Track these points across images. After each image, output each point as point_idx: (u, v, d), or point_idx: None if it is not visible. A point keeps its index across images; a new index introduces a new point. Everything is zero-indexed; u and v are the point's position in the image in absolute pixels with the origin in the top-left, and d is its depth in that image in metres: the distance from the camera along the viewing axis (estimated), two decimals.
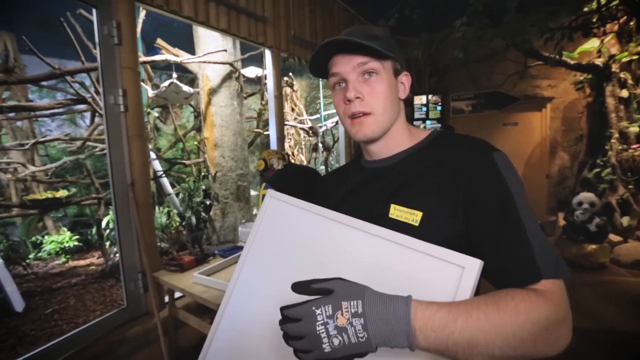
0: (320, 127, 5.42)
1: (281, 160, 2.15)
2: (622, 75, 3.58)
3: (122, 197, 1.81)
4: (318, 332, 0.39)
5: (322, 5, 3.42)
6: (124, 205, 1.82)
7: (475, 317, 0.40)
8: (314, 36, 3.29)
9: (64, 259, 3.52)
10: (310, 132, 5.09)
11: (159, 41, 3.43)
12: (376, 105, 0.61)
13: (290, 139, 5.19)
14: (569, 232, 3.43)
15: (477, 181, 0.53)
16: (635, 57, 3.47)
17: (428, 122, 5.12)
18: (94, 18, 1.70)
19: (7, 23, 3.54)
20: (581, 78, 4.04)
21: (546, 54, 3.49)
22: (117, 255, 1.99)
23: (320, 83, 6.01)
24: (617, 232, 3.47)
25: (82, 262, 3.53)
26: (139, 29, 3.00)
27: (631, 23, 3.47)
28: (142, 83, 3.74)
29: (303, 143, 5.41)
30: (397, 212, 0.58)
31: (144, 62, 3.39)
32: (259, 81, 4.38)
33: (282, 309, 0.44)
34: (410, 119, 5.24)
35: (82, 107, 3.54)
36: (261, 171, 2.14)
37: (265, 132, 4.68)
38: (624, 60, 3.53)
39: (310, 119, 5.35)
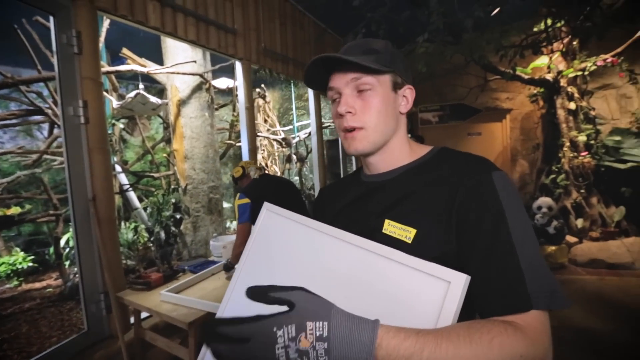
0: (294, 138, 5.44)
1: (258, 170, 2.15)
2: (569, 89, 3.91)
3: (82, 213, 1.71)
4: (277, 356, 0.35)
5: (292, 18, 3.48)
6: (85, 221, 1.72)
7: (444, 349, 0.38)
8: (285, 49, 3.33)
9: (16, 282, 3.24)
10: (284, 143, 5.09)
11: (125, 51, 3.33)
12: (368, 120, 0.60)
13: (264, 150, 5.16)
14: None
15: (472, 201, 0.52)
16: (579, 73, 3.82)
17: None
18: (52, 26, 1.63)
19: None
20: (535, 91, 4.38)
21: (502, 69, 3.76)
22: (77, 275, 1.86)
23: (293, 95, 6.06)
24: (573, 233, 3.73)
25: (37, 285, 3.26)
26: (102, 38, 2.90)
27: (574, 42, 3.83)
28: (106, 94, 3.61)
29: (276, 154, 5.39)
30: (391, 227, 0.57)
31: (108, 72, 3.27)
32: (230, 92, 4.34)
33: (218, 322, 0.38)
34: None
35: (38, 118, 3.34)
36: (236, 178, 2.12)
37: (238, 144, 4.62)
38: (570, 75, 3.86)
39: (283, 130, 5.36)
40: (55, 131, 3.50)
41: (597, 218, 3.73)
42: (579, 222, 3.75)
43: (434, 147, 0.66)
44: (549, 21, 3.14)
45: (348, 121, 0.60)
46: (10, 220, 2.73)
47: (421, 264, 0.45)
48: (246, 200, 1.95)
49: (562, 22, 3.28)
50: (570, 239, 3.65)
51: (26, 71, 3.14)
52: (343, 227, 0.56)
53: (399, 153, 0.64)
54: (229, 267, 1.89)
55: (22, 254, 3.39)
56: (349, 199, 0.69)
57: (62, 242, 2.86)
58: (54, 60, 1.64)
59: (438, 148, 0.65)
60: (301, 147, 5.79)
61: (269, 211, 0.70)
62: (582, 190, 3.80)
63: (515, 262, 0.47)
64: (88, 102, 1.70)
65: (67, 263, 2.92)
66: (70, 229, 2.55)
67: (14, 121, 3.44)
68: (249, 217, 1.92)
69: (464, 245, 0.51)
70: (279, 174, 5.32)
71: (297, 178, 5.58)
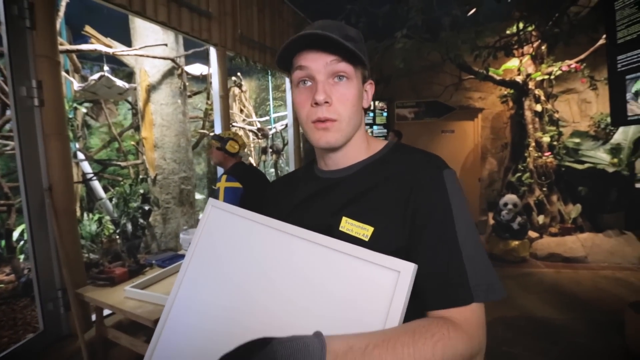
0: (270, 129, 5.34)
1: (243, 150, 1.98)
2: (536, 91, 4.11)
3: (37, 203, 1.58)
4: None
5: (271, 5, 3.38)
6: (40, 212, 1.59)
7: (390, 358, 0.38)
8: (262, 37, 3.23)
9: None
10: (260, 134, 4.99)
11: (88, 29, 3.09)
12: (343, 112, 0.57)
13: None
14: (496, 230, 3.82)
15: (423, 198, 0.53)
16: (546, 76, 4.01)
17: (375, 127, 5.35)
18: None
19: None
20: (505, 92, 4.56)
21: (476, 69, 3.87)
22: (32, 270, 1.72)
23: (270, 85, 5.93)
24: (535, 229, 3.96)
25: None
26: (61, 13, 2.67)
27: (543, 47, 4.01)
28: (66, 74, 3.34)
29: (252, 145, 5.28)
30: (348, 225, 0.56)
31: (68, 51, 3.03)
32: (204, 79, 4.17)
33: None
34: None
35: None
36: (232, 153, 1.94)
37: (212, 134, 4.47)
38: (538, 78, 4.05)
39: (259, 121, 5.24)
40: (8, 113, 3.20)
41: (556, 215, 3.98)
42: (540, 219, 3.98)
43: (389, 142, 0.66)
44: (521, 25, 3.26)
45: (324, 112, 0.56)
46: None
47: (371, 255, 0.46)
48: (237, 185, 1.78)
49: (533, 27, 3.42)
50: (532, 234, 3.88)
51: None
52: (298, 223, 0.54)
53: (358, 148, 0.63)
54: None
55: None
56: (304, 195, 0.66)
57: (15, 235, 2.64)
58: (2, 34, 1.48)
59: (393, 144, 0.65)
60: (277, 138, 5.71)
61: (214, 207, 0.67)
62: (544, 189, 4.03)
63: (458, 257, 0.50)
64: (43, 82, 1.55)
65: (21, 257, 2.71)
66: (24, 221, 2.36)
67: None
68: (238, 203, 1.74)
69: (413, 239, 0.53)
70: (254, 165, 5.22)
71: (272, 170, 5.50)
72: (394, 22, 2.80)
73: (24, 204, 1.57)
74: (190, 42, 2.97)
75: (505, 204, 3.73)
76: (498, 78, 4.17)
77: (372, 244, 0.53)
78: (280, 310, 0.50)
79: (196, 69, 3.88)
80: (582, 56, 3.80)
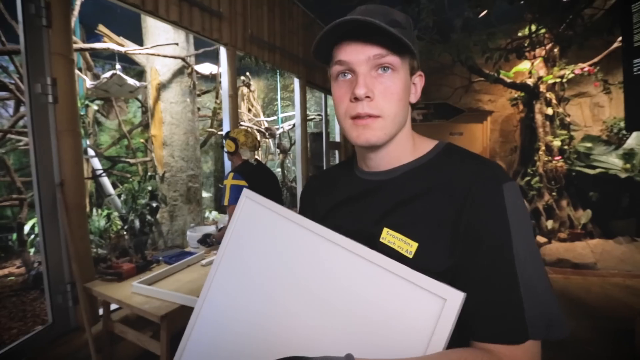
0: (277, 129, 5.36)
1: (251, 150, 2.04)
2: (548, 95, 4.05)
3: (48, 198, 1.61)
4: None
5: (281, 6, 3.39)
6: (51, 207, 1.62)
7: None
8: (272, 37, 3.24)
9: None
10: (267, 133, 5.01)
11: (101, 27, 3.14)
12: (387, 108, 0.51)
13: None
14: None
15: (478, 216, 0.47)
16: (558, 79, 3.95)
17: None
18: None
19: None
20: (515, 95, 4.50)
21: (487, 71, 3.83)
22: (42, 264, 1.76)
23: (279, 85, 5.95)
24: (543, 234, 3.90)
25: None
26: (75, 12, 2.72)
27: (555, 50, 3.95)
28: (79, 72, 3.40)
29: (259, 145, 5.31)
30: (389, 237, 0.51)
31: (82, 49, 3.08)
32: (213, 79, 4.21)
33: None
34: None
35: (2, 94, 3.11)
36: (229, 152, 2.00)
37: (220, 132, 4.50)
38: (550, 81, 4.00)
39: (267, 121, 5.26)
40: (22, 109, 3.27)
41: (565, 220, 3.92)
42: (549, 224, 3.92)
43: (439, 142, 0.58)
44: (533, 27, 3.22)
45: (365, 107, 0.50)
46: None
47: (416, 276, 0.42)
48: (243, 183, 1.83)
49: (546, 29, 3.37)
50: (541, 239, 3.82)
51: None
52: (335, 227, 0.51)
53: (403, 148, 0.56)
54: (205, 241, 1.79)
55: None
56: (342, 196, 0.61)
57: (27, 229, 2.69)
58: (20, 32, 1.51)
59: (444, 144, 0.58)
60: (285, 138, 5.72)
61: (249, 199, 0.64)
62: (553, 193, 3.97)
63: (514, 285, 0.44)
64: (57, 79, 1.58)
65: (31, 250, 2.76)
66: (36, 215, 2.41)
67: None
68: None
69: (463, 261, 0.47)
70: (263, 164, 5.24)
71: (279, 170, 5.52)
72: None
73: (36, 199, 1.60)
74: (200, 42, 3.00)
75: None
76: (509, 81, 4.13)
77: (415, 262, 0.48)
78: (312, 321, 0.47)
79: (206, 68, 3.91)
80: (595, 59, 3.73)
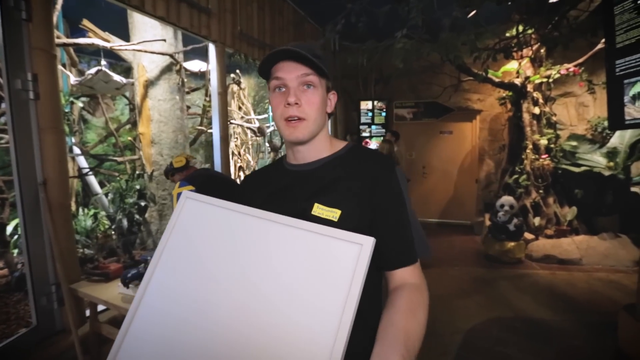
0: (268, 127, 5.33)
1: (181, 159, 2.01)
2: (535, 94, 4.12)
3: (31, 198, 1.57)
4: None
5: (270, 3, 3.36)
6: (34, 207, 1.58)
7: (412, 341, 0.56)
8: (262, 34, 3.22)
9: None
10: (258, 132, 4.97)
11: (86, 22, 3.07)
12: (310, 113, 0.70)
13: (237, 138, 5.01)
14: (493, 231, 3.84)
15: (384, 190, 0.70)
16: (544, 79, 4.03)
17: (373, 126, 5.35)
18: None
19: None
20: (504, 94, 4.57)
21: (475, 71, 3.88)
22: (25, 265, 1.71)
23: None
24: (530, 230, 3.98)
25: None
26: (58, 5, 2.65)
27: (542, 50, 4.02)
28: (63, 68, 3.31)
29: (250, 143, 5.26)
30: (319, 209, 0.68)
31: (65, 45, 3.00)
32: (203, 76, 4.15)
33: None
34: (357, 122, 5.42)
35: None
36: (176, 169, 1.96)
37: (210, 130, 4.45)
38: (537, 81, 4.07)
39: (257, 119, 5.23)
40: (2, 106, 3.17)
41: (552, 217, 4.00)
42: (536, 221, 4.00)
43: (348, 143, 0.80)
44: (520, 28, 3.27)
45: (294, 111, 0.69)
46: None
47: (338, 232, 0.54)
48: (190, 188, 1.78)
49: (533, 30, 3.43)
50: (528, 235, 3.90)
51: None
52: (274, 211, 0.61)
53: (323, 145, 0.76)
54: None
55: None
56: (277, 186, 0.77)
57: (9, 229, 2.62)
58: None
59: (351, 144, 0.80)
60: (275, 137, 5.70)
61: (189, 199, 0.69)
62: (540, 191, 4.05)
63: (409, 231, 0.70)
64: (39, 75, 1.54)
65: (14, 252, 2.69)
66: (18, 215, 2.34)
67: None
68: None
69: (378, 220, 0.68)
70: (252, 163, 5.20)
71: None
72: (394, 22, 2.80)
73: (18, 198, 1.55)
74: (189, 38, 2.95)
75: (502, 206, 3.74)
76: (497, 80, 4.18)
77: (340, 224, 0.65)
78: (249, 297, 0.55)
79: (195, 65, 3.86)
80: (580, 60, 3.81)
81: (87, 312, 1.70)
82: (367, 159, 0.73)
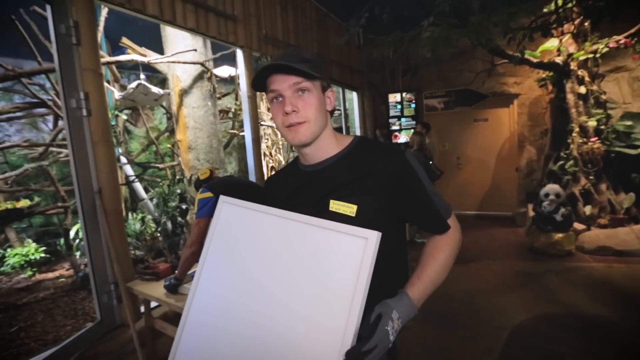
0: None
1: (206, 171, 2.02)
2: (579, 72, 3.80)
3: (89, 205, 1.73)
4: (390, 337, 0.58)
5: (293, 3, 3.40)
6: (92, 213, 1.74)
7: (432, 279, 0.70)
8: (286, 35, 3.27)
9: (29, 273, 3.32)
10: None
11: (124, 40, 3.29)
12: (310, 115, 0.72)
13: (268, 139, 5.13)
14: (537, 222, 3.61)
15: (401, 177, 0.73)
16: (590, 55, 3.70)
17: (403, 119, 5.23)
18: (49, 16, 1.60)
19: None
20: (543, 75, 4.25)
21: (510, 53, 3.65)
22: (88, 266, 1.91)
23: None
24: (581, 220, 3.69)
25: (50, 275, 3.34)
26: (101, 27, 2.87)
27: (586, 24, 3.69)
28: (107, 84, 3.59)
29: (280, 143, 5.37)
30: (336, 206, 0.72)
31: (109, 63, 3.25)
32: (232, 81, 4.30)
33: (354, 351, 0.54)
34: (385, 116, 5.32)
35: (42, 110, 3.34)
36: (201, 180, 1.98)
37: (242, 133, 4.60)
38: (581, 58, 3.75)
39: None
40: (60, 123, 3.51)
41: (606, 205, 3.68)
42: (587, 209, 3.70)
43: (355, 137, 0.81)
44: (560, 1, 3.02)
45: (293, 118, 0.71)
46: (20, 212, 2.78)
47: (345, 227, 0.59)
48: (208, 194, 1.76)
49: (574, 2, 3.16)
50: (578, 226, 3.62)
51: (27, 63, 3.12)
52: (294, 211, 0.67)
53: (328, 144, 0.78)
54: (174, 288, 1.59)
55: (34, 245, 3.46)
56: (294, 186, 0.81)
57: (72, 234, 2.90)
58: (53, 51, 1.63)
59: (358, 138, 0.81)
60: None
61: (226, 203, 0.75)
62: (591, 177, 3.74)
63: (433, 205, 0.75)
64: (89, 93, 1.69)
65: (77, 254, 2.98)
66: (79, 221, 2.59)
67: (18, 114, 3.45)
68: (208, 211, 1.69)
69: (405, 203, 0.74)
70: (283, 163, 5.31)
71: None
72: (420, 10, 2.71)
73: (79, 206, 1.72)
74: (217, 46, 3.07)
75: (547, 195, 3.50)
76: (535, 61, 3.91)
77: (357, 218, 0.69)
78: (269, 296, 0.61)
79: (224, 71, 4.00)
80: (632, 30, 3.45)
81: (142, 309, 1.85)
82: (374, 151, 0.76)
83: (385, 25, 3.08)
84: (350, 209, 0.70)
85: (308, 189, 0.78)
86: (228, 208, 0.74)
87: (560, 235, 3.43)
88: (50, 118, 4.01)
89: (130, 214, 3.43)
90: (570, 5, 3.16)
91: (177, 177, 3.55)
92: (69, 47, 1.65)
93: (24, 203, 2.98)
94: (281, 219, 0.66)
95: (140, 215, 3.38)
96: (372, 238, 0.55)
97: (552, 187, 3.54)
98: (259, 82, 0.76)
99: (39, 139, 4.52)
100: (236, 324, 0.63)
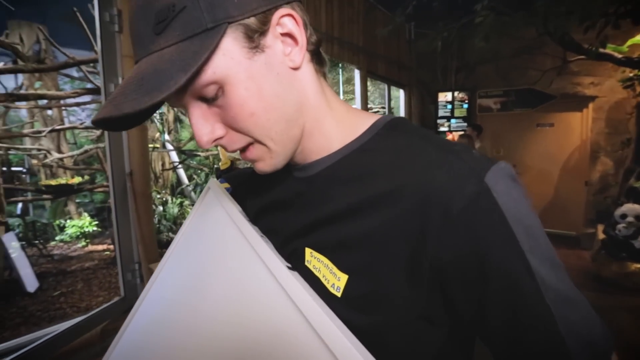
0: None
1: (226, 161, 1.99)
2: None
3: (120, 186, 1.81)
4: None
5: None
6: (122, 195, 1.82)
7: None
8: (330, 27, 3.16)
9: (83, 243, 3.68)
10: None
11: None
12: (250, 129, 0.35)
13: None
14: (609, 247, 3.10)
15: (461, 241, 0.30)
16: None
17: (453, 120, 4.84)
18: (95, 4, 1.69)
19: (40, 15, 3.75)
20: (631, 75, 3.61)
21: (587, 46, 3.12)
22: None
23: (341, 78, 5.86)
24: None
25: (99, 247, 3.68)
26: None
27: None
28: None
29: None
30: (315, 261, 0.37)
31: None
32: None
33: None
34: (433, 116, 4.96)
35: (86, 98, 3.66)
36: (221, 170, 1.96)
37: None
38: None
39: None
40: None
41: None
42: None
43: (379, 119, 0.41)
44: None
45: (228, 148, 0.37)
46: (70, 188, 3.07)
47: (339, 344, 0.28)
48: (226, 185, 1.80)
49: None
50: None
51: (92, 53, 3.44)
52: (264, 232, 0.44)
53: (325, 133, 0.40)
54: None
55: (88, 218, 3.83)
56: (274, 196, 0.48)
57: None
58: (97, 39, 1.71)
59: (384, 119, 0.40)
60: None
61: (213, 191, 0.60)
62: None
63: (551, 325, 0.29)
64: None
65: None
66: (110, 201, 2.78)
67: (86, 99, 3.82)
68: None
69: (469, 302, 0.32)
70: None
71: None
72: None
73: (110, 187, 1.80)
74: None
75: (624, 216, 2.98)
76: (620, 56, 3.32)
77: (345, 302, 0.33)
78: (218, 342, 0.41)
79: None
80: None
81: None
82: (415, 155, 0.35)
83: (438, 16, 2.82)
84: (334, 280, 0.35)
85: (289, 209, 0.45)
86: (212, 196, 0.60)
87: (638, 265, 2.90)
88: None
89: (170, 199, 3.63)
90: None
91: (215, 166, 3.66)
92: (112, 35, 1.73)
93: (75, 180, 3.29)
94: (254, 255, 0.41)
95: (179, 200, 3.56)
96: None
97: (631, 208, 3.00)
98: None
99: None
100: (177, 327, 0.53)
